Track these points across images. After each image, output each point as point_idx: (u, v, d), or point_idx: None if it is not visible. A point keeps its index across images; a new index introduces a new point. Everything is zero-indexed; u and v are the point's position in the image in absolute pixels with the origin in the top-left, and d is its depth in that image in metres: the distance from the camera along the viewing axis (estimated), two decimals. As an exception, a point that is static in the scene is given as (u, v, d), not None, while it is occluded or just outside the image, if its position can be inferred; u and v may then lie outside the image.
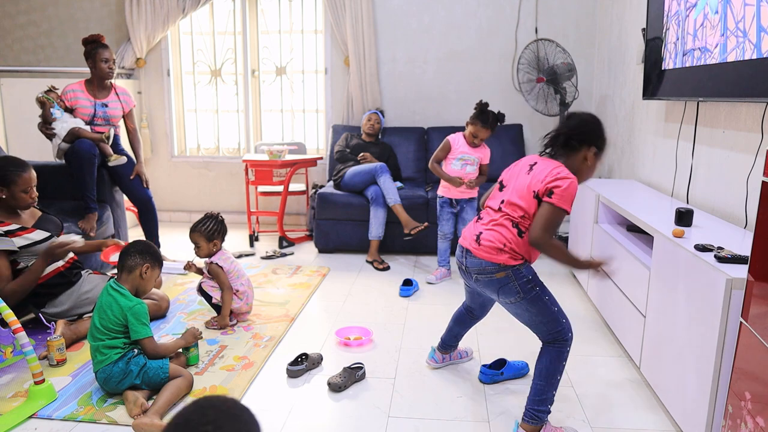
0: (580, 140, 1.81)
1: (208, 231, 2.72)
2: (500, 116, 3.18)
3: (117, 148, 3.52)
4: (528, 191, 1.77)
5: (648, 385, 2.19)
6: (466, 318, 2.24)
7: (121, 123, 3.64)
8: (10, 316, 1.96)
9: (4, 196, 2.44)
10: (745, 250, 1.76)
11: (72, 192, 3.37)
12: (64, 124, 3.25)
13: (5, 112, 4.42)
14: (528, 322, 1.86)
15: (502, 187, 1.90)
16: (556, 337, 1.81)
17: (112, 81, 3.51)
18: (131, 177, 3.51)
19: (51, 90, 3.31)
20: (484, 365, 2.26)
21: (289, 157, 4.19)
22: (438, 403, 2.08)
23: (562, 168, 1.77)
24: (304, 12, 4.75)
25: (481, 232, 1.85)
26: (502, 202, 1.84)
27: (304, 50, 4.80)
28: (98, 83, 3.43)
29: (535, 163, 1.84)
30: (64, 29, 4.83)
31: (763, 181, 1.34)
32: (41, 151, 4.04)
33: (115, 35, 4.73)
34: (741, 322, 1.43)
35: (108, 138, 3.36)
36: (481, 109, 3.18)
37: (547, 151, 1.87)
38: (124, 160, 3.42)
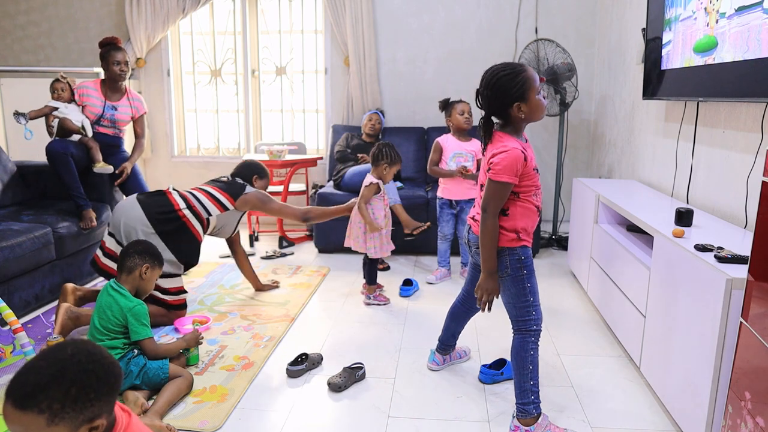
0: (502, 109, 1.80)
1: (373, 157, 3.05)
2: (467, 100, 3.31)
3: (119, 150, 3.53)
4: (485, 174, 1.85)
5: (648, 385, 2.19)
6: (461, 311, 2.25)
7: (129, 128, 3.63)
8: (10, 315, 1.96)
9: (255, 185, 3.03)
10: (745, 250, 1.76)
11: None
12: (58, 117, 3.24)
13: (5, 112, 4.42)
14: (505, 300, 1.92)
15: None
16: (520, 326, 1.88)
17: (126, 85, 3.52)
18: (117, 171, 3.46)
19: (59, 80, 3.31)
20: (484, 365, 2.26)
21: (289, 157, 4.19)
22: (438, 403, 2.08)
23: (500, 143, 1.79)
24: (304, 12, 4.75)
25: (477, 213, 1.93)
26: (482, 186, 1.91)
27: (304, 50, 4.80)
28: (110, 85, 3.44)
29: (490, 141, 1.87)
30: (64, 29, 4.83)
31: (763, 181, 1.34)
32: (41, 151, 4.04)
33: (115, 35, 4.73)
34: (741, 322, 1.43)
35: (84, 129, 3.30)
36: (446, 102, 3.33)
37: (497, 124, 1.87)
38: (110, 169, 3.34)
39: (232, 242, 3.15)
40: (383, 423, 1.95)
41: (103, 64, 3.40)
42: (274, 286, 3.24)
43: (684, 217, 2.14)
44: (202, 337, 2.35)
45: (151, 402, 1.98)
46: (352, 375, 2.20)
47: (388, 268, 3.64)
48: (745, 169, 2.23)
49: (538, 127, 4.58)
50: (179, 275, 2.71)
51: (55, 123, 3.23)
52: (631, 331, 2.32)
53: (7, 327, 2.09)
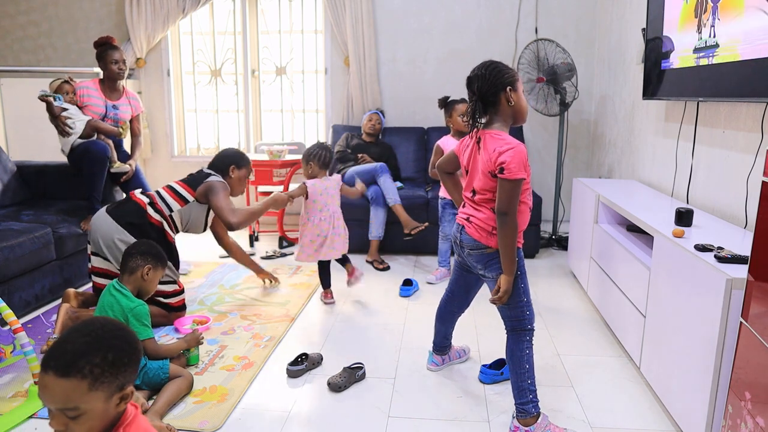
0: (491, 92, 1.84)
1: (310, 156, 2.96)
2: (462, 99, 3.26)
3: (119, 150, 3.54)
4: (485, 175, 1.82)
5: (648, 385, 2.19)
6: (446, 314, 2.26)
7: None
8: (10, 315, 1.96)
9: (233, 175, 2.85)
10: (745, 250, 1.76)
11: (74, 192, 3.36)
12: (78, 122, 3.25)
13: (5, 112, 4.42)
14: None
15: (467, 172, 1.95)
16: (515, 325, 1.89)
17: (124, 84, 3.54)
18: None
19: (68, 82, 3.31)
20: (484, 365, 2.26)
21: (289, 157, 4.19)
22: (438, 403, 2.08)
23: (501, 140, 1.79)
24: (304, 12, 4.75)
25: (470, 215, 1.91)
26: (473, 191, 1.89)
27: (304, 50, 4.80)
28: (110, 85, 3.45)
29: (480, 139, 1.86)
30: (64, 29, 4.83)
31: (763, 181, 1.34)
32: (41, 151, 4.05)
33: (115, 35, 4.70)
34: (741, 322, 1.43)
35: (124, 129, 3.38)
36: (445, 100, 3.26)
37: (482, 123, 1.88)
38: (126, 168, 3.45)
39: (220, 237, 3.11)
40: (383, 423, 1.95)
41: (100, 64, 3.41)
42: (274, 276, 3.25)
43: (684, 217, 2.14)
44: (203, 338, 2.35)
45: (151, 402, 1.98)
46: (352, 375, 2.20)
47: (388, 268, 3.64)
48: (745, 169, 2.23)
49: (538, 127, 4.59)
50: (177, 280, 2.73)
51: (77, 125, 3.22)
52: (631, 331, 2.32)
53: (7, 327, 2.09)
